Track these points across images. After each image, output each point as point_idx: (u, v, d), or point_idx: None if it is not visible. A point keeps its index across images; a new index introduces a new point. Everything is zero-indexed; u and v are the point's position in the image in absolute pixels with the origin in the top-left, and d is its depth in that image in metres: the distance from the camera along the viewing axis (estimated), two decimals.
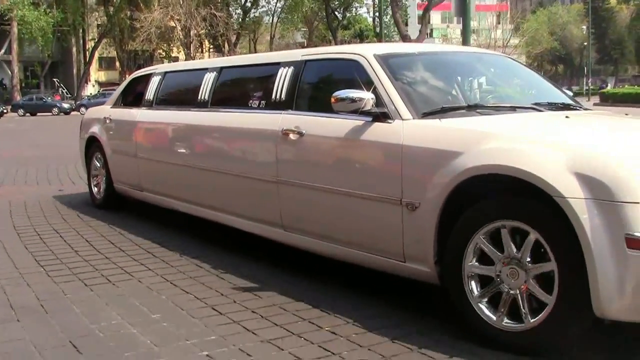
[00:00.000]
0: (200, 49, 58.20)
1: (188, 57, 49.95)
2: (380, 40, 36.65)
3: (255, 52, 58.78)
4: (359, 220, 4.03)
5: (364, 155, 4.04)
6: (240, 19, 61.01)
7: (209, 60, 7.22)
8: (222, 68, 5.77)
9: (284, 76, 4.85)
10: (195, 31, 50.53)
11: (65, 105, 48.75)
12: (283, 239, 4.71)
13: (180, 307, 3.93)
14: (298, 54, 4.99)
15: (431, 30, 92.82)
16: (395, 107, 3.96)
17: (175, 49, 57.42)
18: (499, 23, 76.01)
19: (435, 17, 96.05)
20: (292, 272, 4.69)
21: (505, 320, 3.24)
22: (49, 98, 51.75)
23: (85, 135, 7.86)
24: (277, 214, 4.65)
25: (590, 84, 61.26)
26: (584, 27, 78.51)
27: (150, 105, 6.62)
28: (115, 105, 7.53)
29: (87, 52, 61.85)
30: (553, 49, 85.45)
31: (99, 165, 7.56)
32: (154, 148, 6.38)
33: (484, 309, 3.32)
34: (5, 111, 47.18)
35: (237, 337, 3.44)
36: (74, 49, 63.53)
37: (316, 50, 5.11)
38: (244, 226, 5.08)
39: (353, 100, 3.94)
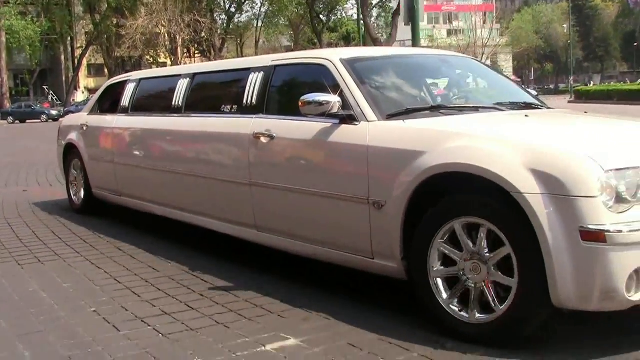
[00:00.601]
0: (188, 54, 59.09)
1: (175, 63, 50.80)
2: (365, 44, 37.35)
3: (242, 56, 59.67)
4: (328, 219, 4.17)
5: (332, 157, 4.17)
6: (224, 25, 61.88)
7: (182, 67, 7.54)
8: (195, 74, 5.93)
9: (254, 81, 4.98)
10: (181, 37, 51.37)
11: (54, 112, 49.64)
12: (257, 240, 4.89)
13: (88, 279, 4.79)
14: (268, 60, 5.15)
15: None
16: (361, 110, 4.10)
17: (162, 55, 58.24)
18: (485, 22, 76.89)
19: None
20: (196, 252, 5.55)
21: (455, 303, 3.47)
22: (38, 105, 52.70)
23: (63, 143, 8.02)
24: (250, 216, 4.83)
25: (572, 82, 62.09)
26: (567, 25, 79.45)
27: (125, 111, 6.77)
28: (92, 112, 7.71)
29: (76, 60, 62.67)
30: (538, 47, 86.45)
31: (77, 171, 7.71)
32: (130, 153, 6.49)
33: (440, 286, 3.52)
34: None
35: (124, 298, 4.29)
36: (63, 57, 64.39)
37: (285, 55, 5.29)
38: (220, 228, 5.26)
39: (320, 104, 4.08)
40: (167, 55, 55.23)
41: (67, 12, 57.83)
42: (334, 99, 4.09)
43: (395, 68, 4.90)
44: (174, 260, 5.27)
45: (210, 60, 51.10)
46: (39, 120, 48.73)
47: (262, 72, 4.98)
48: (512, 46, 71.11)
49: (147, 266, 5.13)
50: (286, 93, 4.96)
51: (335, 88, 4.29)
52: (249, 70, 5.13)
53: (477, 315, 3.38)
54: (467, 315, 3.42)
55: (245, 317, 3.87)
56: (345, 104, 4.15)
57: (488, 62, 69.42)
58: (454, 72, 5.38)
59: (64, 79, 64.39)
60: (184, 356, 3.31)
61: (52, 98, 62.54)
